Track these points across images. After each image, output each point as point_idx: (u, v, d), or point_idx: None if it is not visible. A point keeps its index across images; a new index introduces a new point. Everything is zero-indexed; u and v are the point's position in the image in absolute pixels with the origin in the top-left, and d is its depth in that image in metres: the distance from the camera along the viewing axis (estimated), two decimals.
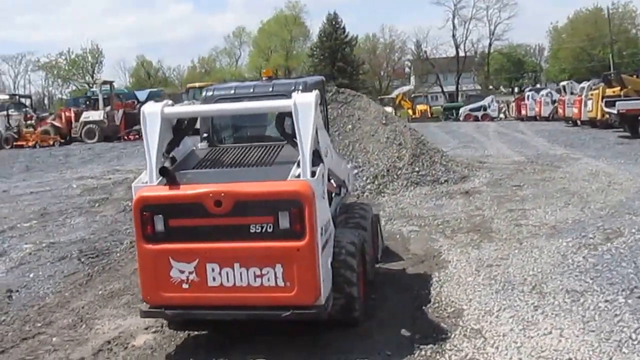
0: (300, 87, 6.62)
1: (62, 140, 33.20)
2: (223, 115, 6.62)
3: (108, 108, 32.61)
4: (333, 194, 7.75)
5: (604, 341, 5.57)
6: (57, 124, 33.85)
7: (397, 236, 10.25)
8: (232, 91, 6.98)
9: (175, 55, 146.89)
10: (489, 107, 48.01)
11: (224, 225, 5.54)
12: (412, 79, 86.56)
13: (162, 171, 5.72)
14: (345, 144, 15.29)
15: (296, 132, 5.70)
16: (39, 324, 6.83)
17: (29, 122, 34.81)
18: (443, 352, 5.69)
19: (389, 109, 52.12)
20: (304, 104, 5.71)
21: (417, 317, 6.66)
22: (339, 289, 6.07)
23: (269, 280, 5.54)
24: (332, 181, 7.20)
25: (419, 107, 52.74)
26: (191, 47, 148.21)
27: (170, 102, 6.36)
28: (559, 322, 6.08)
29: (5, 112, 35.27)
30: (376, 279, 7.95)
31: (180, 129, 6.28)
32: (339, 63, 73.83)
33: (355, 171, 8.46)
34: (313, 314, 5.59)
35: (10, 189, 17.50)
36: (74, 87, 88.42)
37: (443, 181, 14.23)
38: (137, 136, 32.28)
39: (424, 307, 6.91)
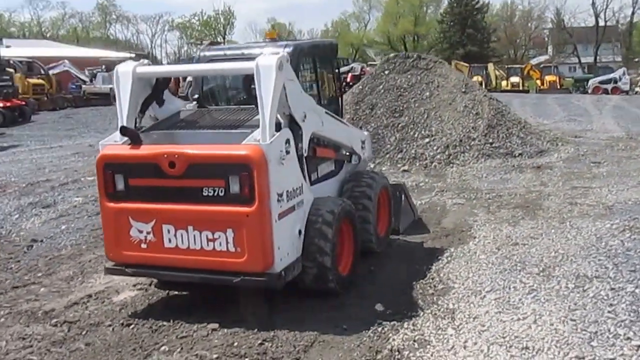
0: (287, 50, 6.41)
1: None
2: (190, 75, 6.56)
3: None
4: (344, 162, 7.54)
5: (578, 332, 5.03)
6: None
7: (438, 208, 9.83)
8: (223, 52, 6.92)
9: (309, 18, 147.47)
10: (620, 80, 44.25)
11: (178, 187, 5.53)
12: (549, 48, 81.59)
13: (122, 130, 5.78)
14: (421, 111, 14.76)
15: (257, 95, 5.55)
16: (40, 274, 7.22)
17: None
18: (397, 330, 5.40)
19: (516, 79, 50.00)
20: (265, 67, 5.52)
21: (401, 293, 6.37)
22: (312, 258, 5.92)
23: (220, 244, 5.48)
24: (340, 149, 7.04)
25: (548, 77, 49.64)
26: (325, 11, 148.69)
27: (146, 61, 6.38)
28: (543, 308, 5.56)
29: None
30: (387, 251, 7.69)
31: (158, 89, 6.31)
32: (469, 30, 71.24)
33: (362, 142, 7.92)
34: (263, 282, 5.48)
35: (95, 144, 18.46)
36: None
37: (517, 154, 13.39)
38: None
39: (414, 283, 6.59)
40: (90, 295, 6.55)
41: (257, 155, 5.29)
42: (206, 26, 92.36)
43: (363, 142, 7.84)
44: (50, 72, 34.82)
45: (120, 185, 5.72)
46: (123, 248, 5.81)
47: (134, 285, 6.76)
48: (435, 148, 13.79)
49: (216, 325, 5.61)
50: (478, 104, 14.74)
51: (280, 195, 5.50)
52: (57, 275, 7.15)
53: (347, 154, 7.60)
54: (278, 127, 5.74)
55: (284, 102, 5.77)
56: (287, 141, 5.66)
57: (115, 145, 5.81)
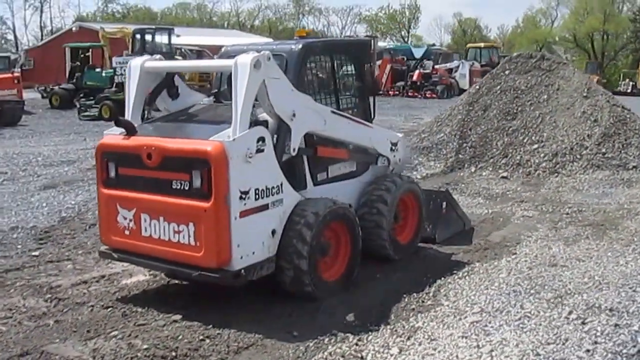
0: (296, 47, 6.30)
1: None
2: (183, 71, 6.59)
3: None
4: (371, 164, 7.24)
5: None
6: None
7: (501, 219, 9.08)
8: (245, 48, 6.95)
9: (497, 13, 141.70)
10: None
11: (153, 178, 5.66)
12: None
13: (117, 121, 6.01)
14: (535, 115, 13.69)
15: (232, 92, 5.52)
16: (81, 252, 7.68)
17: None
18: (341, 342, 5.10)
19: None
20: (241, 65, 5.48)
21: (384, 305, 5.98)
22: (289, 260, 5.79)
23: (184, 237, 5.53)
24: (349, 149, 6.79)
25: None
26: (515, 6, 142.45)
27: (158, 56, 6.55)
28: (517, 338, 4.93)
29: None
30: (407, 259, 7.26)
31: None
32: None
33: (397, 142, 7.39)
34: (217, 278, 5.45)
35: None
36: (391, 41, 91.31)
37: (631, 167, 11.90)
38: (397, 92, 32.35)
39: (407, 296, 6.15)
40: (103, 276, 6.87)
41: (216, 152, 5.25)
42: (392, 20, 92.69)
43: (394, 144, 7.43)
44: None
45: (112, 173, 5.98)
46: (112, 233, 6.06)
47: (149, 270, 7.01)
48: (542, 155, 12.73)
49: (178, 317, 5.65)
50: (599, 110, 13.33)
51: (245, 192, 5.40)
52: (93, 254, 7.62)
53: (376, 156, 7.26)
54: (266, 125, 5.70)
55: (266, 100, 5.67)
56: (261, 139, 5.53)
57: (113, 135, 6.06)
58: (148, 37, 28.54)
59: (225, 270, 5.41)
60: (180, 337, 5.25)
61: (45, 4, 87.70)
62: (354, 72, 7.19)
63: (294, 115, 5.86)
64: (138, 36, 28.24)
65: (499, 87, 14.65)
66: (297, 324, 5.53)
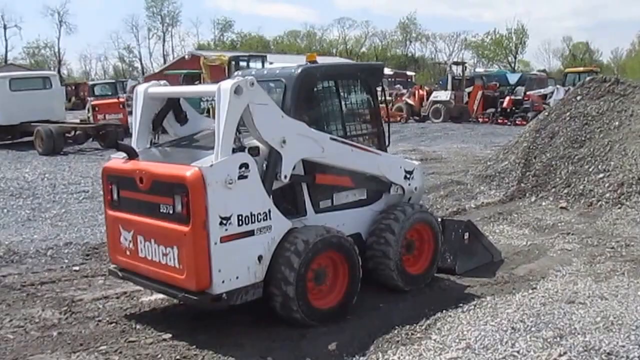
0: (295, 72, 6.27)
1: (417, 118, 32.99)
2: (174, 96, 6.59)
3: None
4: (384, 193, 7.06)
5: None
6: (410, 101, 33.57)
7: (536, 252, 8.55)
8: (254, 72, 7.01)
9: (611, 37, 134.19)
10: None
11: (145, 201, 5.80)
12: None
13: (118, 146, 6.21)
14: (604, 143, 12.81)
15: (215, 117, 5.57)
16: (106, 267, 7.97)
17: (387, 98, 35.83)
18: None
19: None
20: (222, 90, 5.51)
21: (371, 335, 5.76)
22: (278, 286, 5.75)
23: (170, 260, 5.62)
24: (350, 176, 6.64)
25: None
26: (632, 27, 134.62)
27: (164, 82, 6.67)
28: None
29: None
30: (419, 290, 6.97)
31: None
32: None
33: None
34: (197, 301, 5.48)
35: None
36: (497, 67, 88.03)
37: None
38: (486, 120, 31.30)
39: (399, 327, 5.89)
40: (125, 292, 7.08)
41: (193, 178, 5.31)
42: (498, 45, 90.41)
43: (409, 173, 7.18)
44: None
45: (115, 196, 6.19)
46: (117, 253, 6.27)
47: None
48: (607, 185, 11.86)
49: (168, 336, 5.74)
50: None
51: (226, 218, 5.41)
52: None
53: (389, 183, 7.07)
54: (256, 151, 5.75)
55: (252, 126, 5.68)
56: (244, 165, 5.52)
57: (118, 159, 6.28)
58: (243, 64, 29.51)
59: (206, 293, 5.42)
60: (159, 355, 5.34)
61: (167, 34, 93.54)
62: (364, 97, 7.03)
63: (284, 141, 5.81)
64: (233, 63, 29.28)
65: (568, 113, 13.89)
66: (276, 350, 5.46)
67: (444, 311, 6.27)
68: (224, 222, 5.40)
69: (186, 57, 49.07)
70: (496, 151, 15.31)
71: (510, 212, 11.19)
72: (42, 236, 9.81)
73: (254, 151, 5.82)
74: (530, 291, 6.82)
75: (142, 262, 5.93)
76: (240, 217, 5.50)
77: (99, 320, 6.28)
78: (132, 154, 6.13)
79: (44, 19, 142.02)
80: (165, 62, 78.70)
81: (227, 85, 5.49)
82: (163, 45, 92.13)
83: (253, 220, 5.60)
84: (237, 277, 5.53)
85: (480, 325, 5.80)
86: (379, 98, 7.07)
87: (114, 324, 6.17)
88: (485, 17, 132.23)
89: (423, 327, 5.88)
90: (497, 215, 10.88)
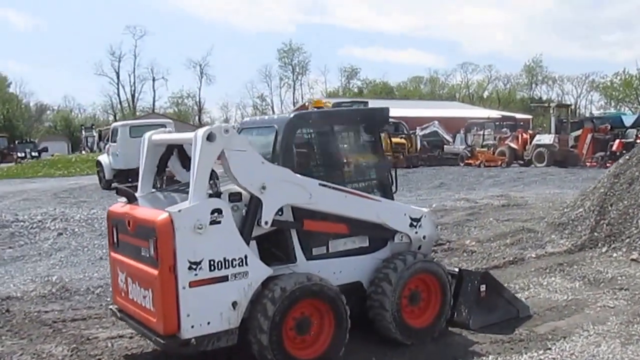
0: (286, 119, 6.23)
1: (521, 162, 31.37)
2: (161, 145, 6.60)
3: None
4: (389, 240, 6.73)
5: None
6: (513, 145, 32.26)
7: (573, 308, 7.74)
8: (249, 120, 6.99)
9: None
10: None
11: (132, 244, 5.91)
12: None
13: (117, 190, 6.38)
14: None
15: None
16: None
17: (486, 141, 34.43)
18: None
19: None
20: (197, 137, 5.53)
21: None
22: (253, 334, 5.63)
23: (147, 302, 5.64)
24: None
25: None
26: None
27: (167, 129, 6.80)
28: None
29: (480, 131, 35.95)
30: (421, 345, 6.50)
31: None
32: None
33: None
34: (164, 345, 5.45)
35: None
36: (627, 109, 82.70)
37: None
38: (594, 163, 29.24)
39: None
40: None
41: (161, 223, 5.34)
42: (628, 86, 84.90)
43: (415, 220, 6.78)
44: (422, 132, 37.14)
45: (115, 238, 6.35)
46: (116, 293, 6.42)
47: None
48: None
49: None
50: None
51: (196, 263, 5.35)
52: None
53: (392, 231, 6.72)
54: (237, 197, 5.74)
55: (229, 172, 5.64)
56: (217, 211, 5.47)
57: (120, 202, 6.45)
58: None
59: (174, 338, 5.37)
60: None
61: (297, 82, 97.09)
62: (365, 143, 6.78)
63: (263, 187, 5.70)
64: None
65: None
66: None
67: None
68: (194, 266, 5.35)
69: (307, 104, 50.65)
70: (575, 197, 14.22)
71: (571, 264, 10.23)
72: (101, 275, 10.21)
73: (235, 197, 5.79)
74: (542, 352, 6.16)
75: (130, 303, 6.01)
76: (212, 262, 5.43)
77: (99, 359, 6.39)
78: (131, 198, 6.28)
79: (187, 71, 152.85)
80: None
81: (201, 132, 5.51)
82: (293, 93, 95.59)
83: (227, 266, 5.51)
84: (208, 323, 5.43)
85: None
86: (384, 143, 6.78)
87: None
88: (620, 57, 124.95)
89: None
90: (555, 267, 9.99)
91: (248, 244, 5.70)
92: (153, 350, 6.61)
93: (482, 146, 34.00)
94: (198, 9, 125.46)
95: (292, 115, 6.25)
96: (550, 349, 6.25)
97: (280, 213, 5.94)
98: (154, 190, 6.60)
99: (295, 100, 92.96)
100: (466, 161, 33.10)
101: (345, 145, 6.71)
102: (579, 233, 11.99)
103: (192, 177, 5.49)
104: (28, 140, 62.60)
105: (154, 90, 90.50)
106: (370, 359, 6.17)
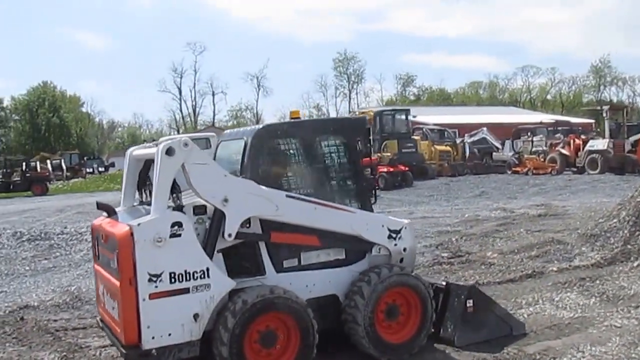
0: (255, 131, 6.15)
1: (574, 169, 29.77)
2: (141, 159, 6.56)
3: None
4: (367, 252, 6.52)
5: None
6: (564, 151, 30.59)
7: (578, 326, 7.26)
8: (229, 132, 6.94)
9: None
10: None
11: (105, 256, 5.97)
12: None
13: (97, 205, 6.44)
14: None
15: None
16: None
17: (536, 148, 32.71)
18: None
19: None
20: (158, 151, 5.53)
21: None
22: (215, 345, 5.58)
23: (115, 312, 5.68)
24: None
25: None
26: None
27: (148, 144, 6.75)
28: None
29: (531, 137, 34.27)
30: None
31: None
32: None
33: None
34: (125, 355, 5.45)
35: (414, 211, 18.65)
36: None
37: None
38: None
39: None
40: None
41: (121, 236, 5.38)
42: None
43: (394, 232, 6.51)
44: (470, 139, 36.13)
45: (97, 251, 6.43)
46: (98, 304, 6.50)
47: None
48: None
49: None
50: None
51: (156, 275, 5.34)
52: None
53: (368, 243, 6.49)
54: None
55: (191, 185, 5.61)
56: (177, 224, 5.44)
57: (102, 217, 6.51)
58: (387, 118, 29.54)
59: (135, 348, 5.37)
60: None
61: (352, 91, 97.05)
62: (341, 154, 6.58)
63: (226, 200, 5.64)
64: (378, 118, 29.43)
65: None
66: None
67: None
68: (154, 279, 5.34)
69: (356, 113, 50.79)
70: (611, 207, 13.48)
71: (594, 279, 9.63)
72: None
73: (200, 209, 5.75)
74: None
75: (106, 313, 6.09)
76: (172, 275, 5.41)
77: None
78: (110, 212, 6.33)
79: (245, 84, 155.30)
80: None
81: (160, 148, 5.50)
82: (349, 102, 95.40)
83: (188, 278, 5.47)
84: (169, 334, 5.40)
85: None
86: (361, 153, 6.59)
87: None
88: None
89: None
90: (575, 282, 9.43)
91: (212, 256, 5.65)
92: None
93: (531, 153, 32.46)
94: (255, 22, 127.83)
95: (260, 127, 6.17)
96: None
97: (247, 225, 5.86)
98: (135, 204, 6.64)
99: (351, 109, 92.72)
100: (513, 169, 31.90)
101: (319, 156, 6.54)
102: (611, 245, 11.34)
103: (154, 191, 5.49)
104: (96, 156, 65.20)
105: (214, 104, 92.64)
106: None
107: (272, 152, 6.30)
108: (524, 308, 8.07)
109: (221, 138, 6.99)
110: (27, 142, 77.11)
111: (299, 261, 6.20)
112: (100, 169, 56.66)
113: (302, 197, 6.08)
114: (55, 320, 8.53)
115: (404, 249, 6.58)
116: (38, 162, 42.66)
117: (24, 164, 38.87)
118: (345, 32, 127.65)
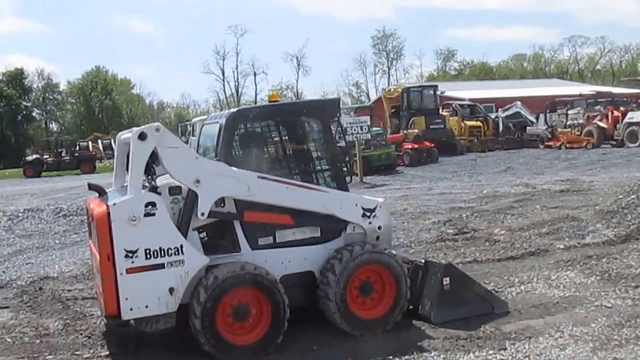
0: (228, 115, 6.23)
1: (613, 143, 28.23)
2: (126, 143, 6.67)
3: None
4: (342, 230, 6.54)
5: None
6: (602, 124, 28.96)
7: (566, 306, 7.07)
8: (211, 115, 7.02)
9: None
10: None
11: (93, 234, 6.18)
12: None
13: (89, 185, 6.64)
14: None
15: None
16: None
17: (571, 121, 30.95)
18: None
19: None
20: (131, 138, 5.74)
21: None
22: (190, 318, 5.80)
23: (100, 285, 5.95)
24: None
25: None
26: None
27: (135, 129, 6.88)
28: None
29: (576, 109, 32.33)
30: (369, 336, 6.32)
31: None
32: None
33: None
34: (106, 325, 5.85)
35: (433, 187, 18.47)
36: None
37: None
38: None
39: None
40: None
41: (99, 214, 5.66)
42: None
43: (369, 211, 6.51)
44: (504, 113, 34.97)
45: (90, 228, 6.66)
46: (94, 278, 6.75)
47: None
48: None
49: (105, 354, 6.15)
50: None
51: (132, 252, 5.57)
52: None
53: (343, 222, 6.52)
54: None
55: (164, 168, 5.76)
56: (151, 204, 5.62)
57: (96, 198, 6.68)
58: (414, 95, 29.13)
59: (115, 318, 5.67)
60: None
61: (391, 68, 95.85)
62: (314, 135, 6.64)
63: (197, 181, 5.78)
64: (405, 95, 29.05)
65: None
66: None
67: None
68: (130, 255, 5.57)
69: (392, 89, 50.21)
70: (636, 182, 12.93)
71: (601, 257, 9.22)
72: None
73: (175, 190, 5.91)
74: (493, 352, 5.74)
75: (96, 286, 6.37)
76: (147, 251, 5.62)
77: (80, 333, 6.82)
78: (101, 192, 6.51)
79: (285, 64, 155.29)
80: None
81: (135, 131, 5.70)
82: (388, 79, 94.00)
83: (163, 255, 5.68)
84: (146, 306, 5.65)
85: None
86: (337, 134, 6.58)
87: (87, 338, 6.69)
88: None
89: None
90: (580, 260, 9.11)
91: (186, 234, 5.82)
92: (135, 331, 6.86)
93: (566, 126, 30.97)
94: (295, 3, 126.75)
95: (233, 111, 6.26)
96: (505, 349, 5.80)
97: (222, 205, 5.99)
98: (125, 184, 6.82)
99: (389, 86, 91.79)
100: (546, 143, 30.50)
101: (293, 139, 6.59)
102: (627, 222, 10.89)
103: (129, 173, 5.65)
104: None
105: (256, 85, 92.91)
106: (312, 347, 6.08)
107: (245, 135, 6.41)
108: (515, 286, 7.94)
109: (204, 122, 7.14)
110: (82, 123, 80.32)
111: (274, 239, 6.30)
112: None
113: (274, 177, 6.16)
114: (69, 291, 8.91)
115: (379, 227, 6.59)
116: (90, 142, 44.10)
117: (77, 144, 40.12)
118: (384, 10, 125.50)
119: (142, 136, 5.63)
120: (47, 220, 15.22)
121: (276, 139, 6.51)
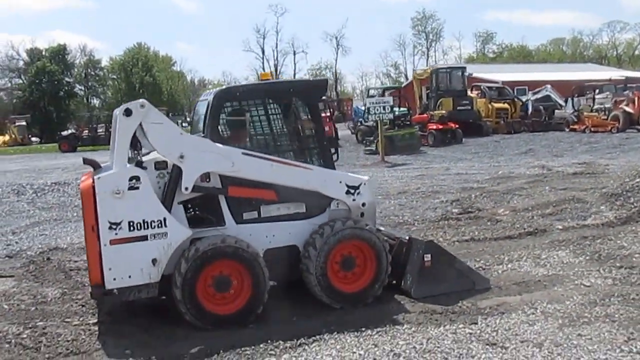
0: (215, 94, 6.37)
1: (639, 127, 27.56)
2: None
3: None
4: (327, 207, 6.68)
5: None
6: (628, 109, 28.24)
7: (546, 284, 7.11)
8: (205, 93, 7.17)
9: None
10: None
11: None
12: None
13: (83, 160, 6.86)
14: None
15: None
16: None
17: (598, 105, 30.66)
18: None
19: None
20: (117, 114, 5.92)
21: (235, 346, 5.58)
22: (172, 289, 5.98)
23: (87, 256, 6.14)
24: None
25: None
26: None
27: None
28: None
29: (605, 93, 32.07)
30: (351, 309, 6.46)
31: None
32: None
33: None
34: (91, 294, 6.04)
35: (451, 168, 18.35)
36: None
37: None
38: None
39: (271, 341, 5.59)
40: None
41: (84, 188, 5.87)
42: None
43: (353, 188, 6.61)
44: (534, 97, 34.56)
45: None
46: None
47: None
48: None
49: (93, 321, 6.41)
50: None
51: (116, 224, 5.76)
52: None
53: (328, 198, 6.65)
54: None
55: (148, 143, 5.93)
56: (135, 178, 5.81)
57: (90, 172, 6.93)
58: (443, 76, 28.81)
59: (99, 287, 5.86)
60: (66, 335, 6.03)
61: (430, 49, 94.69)
62: (301, 115, 6.72)
63: (181, 156, 5.94)
64: (434, 76, 28.76)
65: None
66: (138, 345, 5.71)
67: (344, 333, 5.74)
68: (114, 227, 5.76)
69: (422, 71, 49.72)
70: None
71: (597, 238, 9.21)
72: None
73: (161, 165, 6.08)
74: (463, 326, 5.83)
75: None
76: (131, 224, 5.81)
77: (75, 302, 7.08)
78: (95, 167, 6.72)
79: (324, 44, 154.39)
80: None
81: (121, 107, 5.84)
82: (427, 61, 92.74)
83: (146, 227, 5.86)
84: (129, 277, 5.85)
85: (351, 350, 5.22)
86: (323, 114, 6.69)
87: (81, 307, 6.96)
88: None
89: (293, 346, 5.48)
90: (575, 240, 9.10)
91: (170, 207, 5.99)
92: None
93: (593, 110, 30.59)
94: None
95: (221, 89, 6.38)
96: (475, 323, 5.88)
97: (207, 180, 6.15)
98: None
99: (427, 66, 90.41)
100: (571, 126, 30.20)
101: (279, 117, 6.69)
102: (630, 205, 10.82)
103: (114, 148, 5.85)
104: (181, 112, 67.43)
105: (295, 64, 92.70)
106: (292, 318, 6.25)
107: (232, 112, 6.52)
108: (504, 264, 7.98)
109: (198, 99, 7.28)
110: (123, 99, 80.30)
111: (259, 214, 6.45)
112: (183, 124, 58.83)
113: (259, 154, 6.27)
114: (75, 262, 9.20)
115: (363, 204, 6.68)
116: None
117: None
118: None
119: (127, 112, 5.80)
120: (69, 194, 15.66)
121: (263, 117, 6.62)
